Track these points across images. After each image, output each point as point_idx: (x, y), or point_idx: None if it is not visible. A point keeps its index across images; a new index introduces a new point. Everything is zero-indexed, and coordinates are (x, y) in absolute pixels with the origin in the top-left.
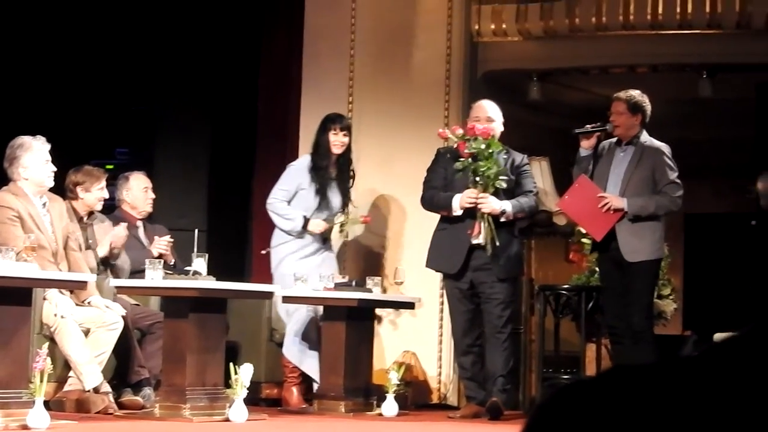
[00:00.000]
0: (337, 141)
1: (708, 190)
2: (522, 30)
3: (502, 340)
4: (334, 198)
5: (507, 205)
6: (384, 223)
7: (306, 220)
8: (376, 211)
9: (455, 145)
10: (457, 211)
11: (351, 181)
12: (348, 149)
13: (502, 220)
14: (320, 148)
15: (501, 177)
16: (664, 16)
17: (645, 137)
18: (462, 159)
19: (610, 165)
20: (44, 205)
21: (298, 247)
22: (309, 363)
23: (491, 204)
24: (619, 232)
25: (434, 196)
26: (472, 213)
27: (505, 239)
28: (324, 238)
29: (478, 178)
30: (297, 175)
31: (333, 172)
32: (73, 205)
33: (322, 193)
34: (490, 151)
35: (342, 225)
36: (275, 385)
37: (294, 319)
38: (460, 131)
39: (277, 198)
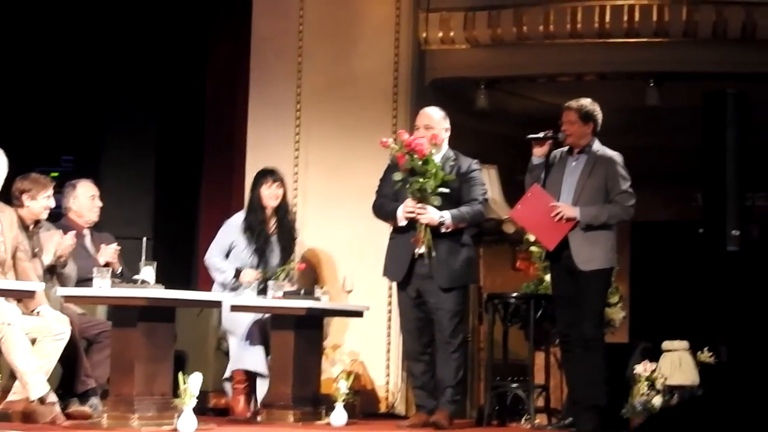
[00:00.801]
0: (271, 194)
1: (654, 198)
2: (470, 38)
3: (450, 350)
4: (274, 255)
5: (446, 216)
6: (332, 231)
7: (238, 272)
8: (324, 218)
9: (396, 155)
10: (402, 221)
11: (293, 240)
12: (285, 201)
13: (443, 230)
14: (254, 204)
15: (440, 190)
16: (611, 25)
17: (597, 146)
18: (401, 171)
19: (562, 174)
20: None
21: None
22: (253, 359)
23: (429, 215)
24: (572, 240)
25: (383, 205)
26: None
27: (448, 249)
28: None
29: (415, 191)
30: (230, 232)
31: (271, 227)
32: (20, 213)
33: (259, 252)
34: (426, 168)
35: (277, 275)
36: (223, 395)
37: (238, 330)
38: (405, 136)
39: (212, 254)
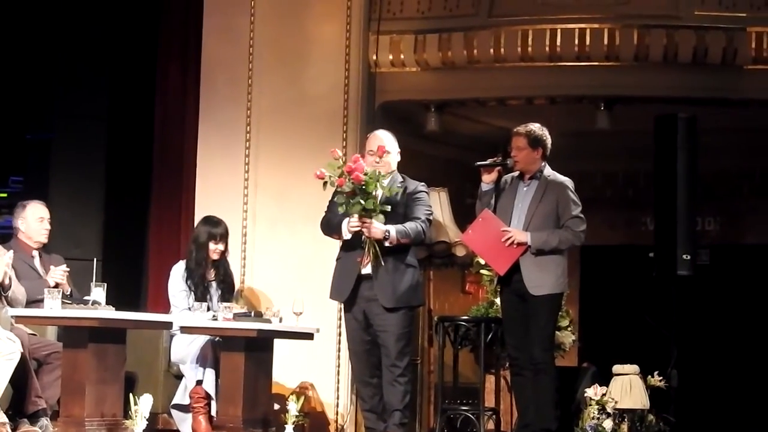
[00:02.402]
0: (217, 249)
1: (603, 222)
2: (420, 60)
3: (397, 374)
4: (214, 300)
5: (391, 229)
6: (282, 253)
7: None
8: (273, 240)
9: (337, 178)
10: (346, 234)
11: (232, 285)
12: (225, 251)
13: (386, 244)
14: (198, 254)
15: (384, 208)
16: (562, 48)
17: (548, 171)
18: (343, 195)
19: (513, 199)
20: None
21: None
22: (207, 379)
23: (374, 229)
24: (523, 265)
25: (329, 220)
26: (363, 241)
27: (392, 269)
28: None
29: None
30: (178, 279)
31: (211, 275)
32: None
33: (202, 297)
34: (366, 189)
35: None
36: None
37: (188, 355)
38: (339, 153)
39: (178, 307)
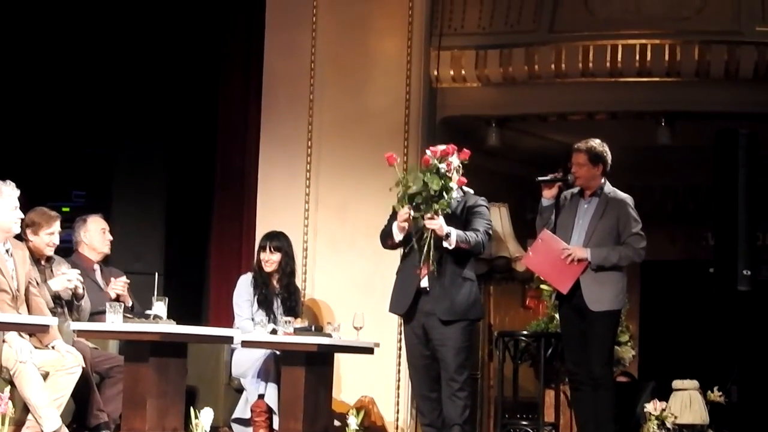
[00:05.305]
0: (265, 259)
1: (663, 237)
2: (481, 76)
3: (456, 388)
4: (279, 311)
5: (452, 232)
6: (342, 267)
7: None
8: (334, 255)
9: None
10: (398, 236)
11: (297, 301)
12: (288, 266)
13: (445, 244)
14: (257, 266)
15: (439, 202)
16: (623, 64)
17: (609, 188)
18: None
19: (574, 216)
20: (8, 251)
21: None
22: (269, 393)
23: (438, 222)
24: (583, 280)
25: (386, 228)
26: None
27: (450, 282)
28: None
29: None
30: (244, 289)
31: (276, 287)
32: (29, 247)
33: (265, 308)
34: (422, 176)
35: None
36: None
37: (249, 369)
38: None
39: (242, 318)
